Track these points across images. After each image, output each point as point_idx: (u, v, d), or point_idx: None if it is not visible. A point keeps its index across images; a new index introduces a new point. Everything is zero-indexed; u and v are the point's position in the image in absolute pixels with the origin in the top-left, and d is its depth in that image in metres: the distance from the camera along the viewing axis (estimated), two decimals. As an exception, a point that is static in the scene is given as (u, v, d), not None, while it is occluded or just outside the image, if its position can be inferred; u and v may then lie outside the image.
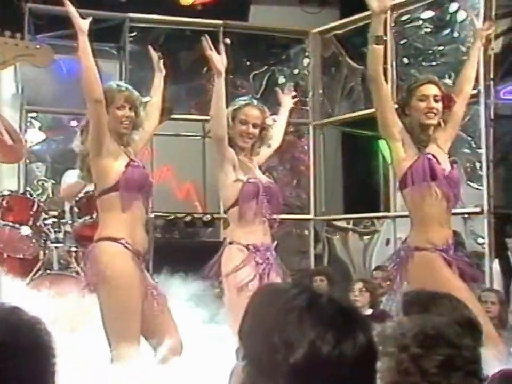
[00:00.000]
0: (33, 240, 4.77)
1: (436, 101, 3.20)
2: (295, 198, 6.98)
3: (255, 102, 3.49)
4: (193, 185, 7.08)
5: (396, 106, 3.32)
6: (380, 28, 3.12)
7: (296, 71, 7.05)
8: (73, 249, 4.80)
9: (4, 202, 4.77)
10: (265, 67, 7.01)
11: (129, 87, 3.38)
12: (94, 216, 4.67)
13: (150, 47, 3.86)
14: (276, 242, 3.40)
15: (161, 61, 3.72)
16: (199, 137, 7.05)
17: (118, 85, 3.35)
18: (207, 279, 3.46)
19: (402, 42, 6.22)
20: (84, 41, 3.25)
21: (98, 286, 3.07)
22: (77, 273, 4.56)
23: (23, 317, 1.20)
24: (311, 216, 6.82)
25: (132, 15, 6.50)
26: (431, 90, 3.21)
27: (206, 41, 3.41)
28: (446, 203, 3.19)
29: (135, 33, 6.63)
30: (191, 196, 7.13)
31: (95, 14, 6.48)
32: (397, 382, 1.43)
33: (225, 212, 3.46)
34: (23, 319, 1.20)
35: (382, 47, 3.12)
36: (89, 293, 3.16)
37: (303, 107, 6.93)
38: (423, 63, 6.08)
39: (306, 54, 6.93)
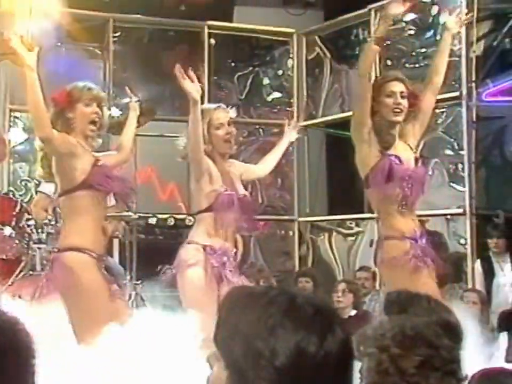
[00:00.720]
0: (16, 241, 4.73)
1: (403, 97, 3.25)
2: (279, 199, 6.99)
3: (214, 106, 3.57)
4: (177, 186, 7.06)
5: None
6: (385, 31, 3.23)
7: (280, 72, 7.07)
8: (56, 250, 4.76)
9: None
10: (250, 68, 7.01)
11: (96, 86, 3.38)
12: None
13: (127, 88, 3.81)
14: (237, 250, 3.47)
15: (136, 100, 3.72)
16: (183, 138, 7.03)
17: (86, 84, 3.32)
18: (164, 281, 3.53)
19: (385, 44, 6.25)
20: (32, 77, 3.12)
21: (64, 295, 3.12)
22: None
23: (1, 318, 1.20)
24: (295, 217, 6.83)
25: (115, 15, 6.48)
26: (398, 87, 3.26)
27: (179, 70, 3.31)
28: (407, 200, 3.27)
29: (119, 34, 6.61)
30: (174, 196, 7.11)
31: (79, 13, 6.51)
32: (376, 382, 1.44)
33: (193, 214, 3.49)
34: (2, 320, 1.19)
35: (379, 48, 3.25)
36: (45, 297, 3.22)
37: (287, 108, 6.95)
38: (406, 65, 6.12)
39: (291, 55, 6.95)
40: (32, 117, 3.20)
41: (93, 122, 3.23)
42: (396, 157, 3.25)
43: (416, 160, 3.33)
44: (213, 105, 3.56)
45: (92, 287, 3.11)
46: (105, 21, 6.53)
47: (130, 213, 5.12)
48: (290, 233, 6.91)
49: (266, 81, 7.03)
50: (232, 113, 3.49)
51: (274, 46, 7.06)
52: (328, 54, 6.82)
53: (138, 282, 5.03)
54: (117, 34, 6.59)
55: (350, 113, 6.44)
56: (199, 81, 6.74)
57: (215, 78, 6.86)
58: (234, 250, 3.41)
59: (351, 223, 6.58)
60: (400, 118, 3.26)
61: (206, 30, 6.68)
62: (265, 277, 5.57)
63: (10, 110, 6.30)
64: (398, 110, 3.23)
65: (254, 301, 1.10)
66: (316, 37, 6.88)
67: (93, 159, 3.20)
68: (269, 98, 7.06)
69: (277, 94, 7.07)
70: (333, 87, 6.78)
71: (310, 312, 1.09)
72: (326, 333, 1.08)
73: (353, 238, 6.54)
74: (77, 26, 6.59)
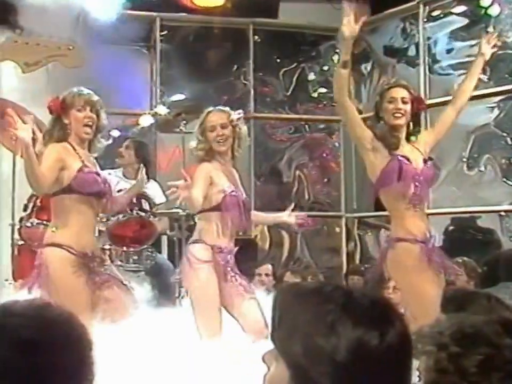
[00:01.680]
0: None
1: (404, 102, 3.38)
2: (326, 195, 6.96)
3: (213, 108, 3.66)
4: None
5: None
6: (348, 52, 3.37)
7: (326, 68, 7.02)
8: (107, 247, 4.85)
9: (38, 201, 4.83)
10: (295, 64, 6.99)
11: (90, 91, 3.47)
12: (128, 214, 4.72)
13: (142, 167, 3.99)
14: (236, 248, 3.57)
15: (144, 170, 3.85)
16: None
17: (78, 90, 3.45)
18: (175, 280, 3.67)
19: (434, 37, 6.16)
20: (30, 153, 3.20)
21: (45, 289, 3.28)
22: (112, 271, 4.60)
23: (57, 312, 1.22)
24: (342, 213, 6.78)
25: (162, 14, 6.54)
26: (400, 93, 3.40)
27: (11, 115, 3.28)
28: (416, 200, 3.37)
29: (165, 32, 6.67)
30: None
31: (126, 13, 6.60)
32: (435, 381, 1.42)
33: (198, 212, 3.58)
34: (58, 314, 1.21)
35: (348, 70, 3.35)
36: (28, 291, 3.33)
37: (334, 104, 6.90)
38: (456, 59, 6.01)
39: (336, 50, 6.90)
40: (29, 181, 3.32)
41: (87, 125, 3.39)
42: (404, 157, 3.37)
43: (425, 161, 3.44)
44: (209, 108, 3.68)
45: (66, 282, 3.26)
46: (151, 20, 6.60)
47: (178, 210, 5.17)
48: (337, 229, 6.87)
49: (311, 76, 7.00)
50: (235, 115, 3.59)
51: (319, 42, 7.03)
52: (374, 48, 6.74)
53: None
54: (163, 33, 6.65)
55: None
56: (245, 78, 6.84)
57: (260, 74, 6.87)
58: (236, 248, 3.56)
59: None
60: (401, 122, 3.37)
61: (251, 27, 6.69)
62: (312, 274, 5.55)
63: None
64: (398, 115, 3.36)
65: (310, 298, 1.10)
66: (362, 32, 6.80)
67: (80, 165, 3.37)
68: (315, 94, 7.02)
69: (322, 90, 7.03)
70: (379, 82, 6.71)
71: (368, 306, 1.09)
72: (386, 326, 1.08)
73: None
74: (124, 26, 6.69)
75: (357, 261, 6.61)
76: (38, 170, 3.20)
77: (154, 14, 6.54)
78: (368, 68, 6.84)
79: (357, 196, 6.81)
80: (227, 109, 3.64)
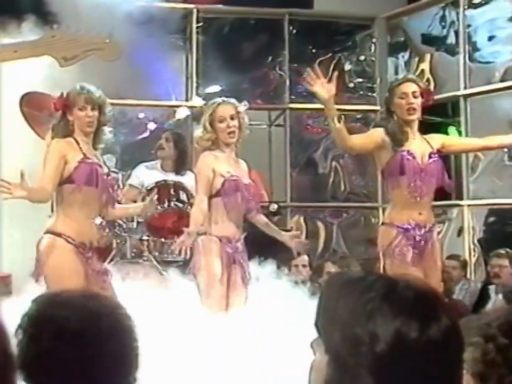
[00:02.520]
0: (107, 230, 4.88)
1: (415, 97, 3.50)
2: (362, 186, 6.91)
3: (221, 100, 3.74)
4: (260, 174, 7.09)
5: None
6: (334, 110, 3.49)
7: (362, 58, 6.96)
8: (145, 238, 4.90)
9: (78, 193, 4.89)
10: (330, 54, 6.94)
11: (91, 89, 3.56)
12: (165, 205, 4.75)
13: (154, 194, 4.07)
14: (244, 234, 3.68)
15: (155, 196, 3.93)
16: (265, 126, 7.06)
17: (81, 88, 3.55)
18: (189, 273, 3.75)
19: (474, 25, 6.05)
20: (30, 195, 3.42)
21: (42, 276, 3.39)
22: (150, 262, 4.66)
23: (103, 302, 1.23)
24: (379, 204, 6.73)
25: (198, 6, 6.55)
26: (410, 87, 3.52)
27: None
28: (416, 192, 3.51)
29: (201, 24, 6.68)
30: (257, 184, 7.15)
31: (162, 6, 6.63)
32: (482, 372, 1.40)
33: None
34: (103, 304, 1.22)
35: (342, 124, 3.46)
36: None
37: (370, 94, 6.84)
38: (497, 47, 5.89)
39: (373, 40, 6.83)
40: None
41: (88, 123, 3.50)
42: (409, 152, 3.51)
43: (430, 155, 3.54)
44: (218, 100, 3.74)
45: (61, 269, 3.34)
46: (188, 12, 6.61)
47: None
48: (374, 220, 6.81)
49: (347, 67, 6.94)
50: (242, 107, 3.66)
51: (355, 31, 6.96)
52: (412, 37, 6.65)
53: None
54: (199, 25, 6.66)
55: (435, 97, 6.31)
56: (280, 68, 6.82)
57: (295, 65, 6.83)
58: (244, 234, 3.64)
59: (437, 211, 6.42)
60: (414, 117, 3.51)
61: (287, 18, 6.66)
62: (348, 264, 5.52)
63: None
64: (411, 109, 3.48)
65: (352, 286, 1.09)
66: (399, 20, 6.73)
67: (81, 157, 3.47)
68: (351, 84, 6.97)
69: (359, 80, 6.97)
70: (416, 71, 6.62)
71: (411, 297, 1.07)
72: (429, 319, 1.05)
73: (439, 226, 6.37)
74: (160, 18, 6.72)
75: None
76: (41, 194, 3.42)
77: (191, 5, 6.55)
78: (406, 57, 6.75)
79: (394, 187, 6.74)
80: (234, 100, 3.72)
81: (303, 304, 3.87)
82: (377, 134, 3.59)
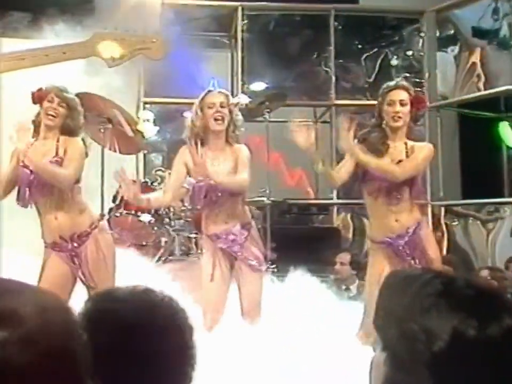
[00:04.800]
0: (155, 228, 4.93)
1: (402, 104, 3.49)
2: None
3: (213, 89, 3.72)
4: (305, 172, 7.06)
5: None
6: (315, 156, 3.55)
7: (409, 53, 6.85)
8: (193, 235, 4.92)
9: (127, 191, 4.95)
10: (376, 49, 6.86)
11: (67, 89, 3.62)
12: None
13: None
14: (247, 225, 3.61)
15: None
16: (310, 123, 7.02)
17: (58, 86, 3.62)
18: None
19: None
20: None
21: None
22: (198, 258, 4.68)
23: (158, 297, 1.23)
24: (428, 201, 6.62)
25: (243, 3, 6.55)
26: (398, 95, 3.50)
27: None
28: (386, 198, 3.48)
29: (246, 21, 6.68)
30: (303, 182, 7.12)
31: (207, 4, 6.65)
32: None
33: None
34: (163, 300, 1.23)
35: (327, 167, 3.53)
36: None
37: (418, 89, 6.73)
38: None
39: (421, 34, 6.71)
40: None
41: (48, 114, 3.53)
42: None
43: (399, 162, 3.49)
44: (210, 89, 3.72)
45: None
46: (233, 10, 6.61)
47: (263, 198, 5.18)
48: (422, 217, 6.70)
49: (394, 62, 6.84)
50: (235, 99, 3.70)
51: (402, 25, 6.86)
52: (462, 31, 6.52)
53: (273, 266, 5.09)
54: (244, 22, 6.66)
55: (485, 92, 6.17)
56: (325, 65, 6.76)
57: (341, 61, 6.77)
58: (241, 226, 3.57)
59: (490, 209, 6.28)
60: (399, 124, 3.49)
61: (333, 13, 6.60)
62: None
63: (144, 103, 6.55)
64: (396, 117, 3.48)
65: (409, 283, 1.08)
66: (448, 14, 6.60)
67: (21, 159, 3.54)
68: (398, 80, 6.86)
69: (406, 75, 6.86)
70: (467, 65, 6.48)
71: (471, 295, 1.05)
72: (489, 318, 1.02)
73: (492, 225, 6.23)
74: (205, 16, 6.74)
75: (444, 251, 6.44)
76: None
77: (236, 3, 6.55)
78: (456, 51, 6.62)
79: (444, 184, 6.62)
80: (226, 91, 3.72)
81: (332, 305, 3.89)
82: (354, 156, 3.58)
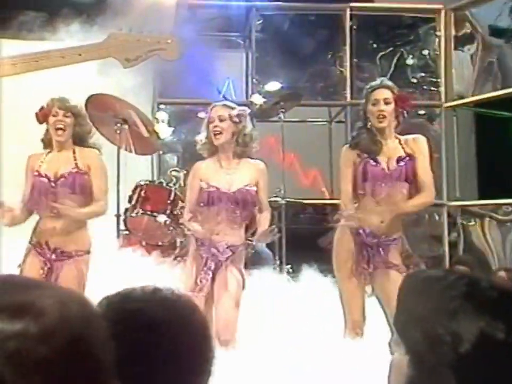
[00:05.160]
0: (170, 228, 4.93)
1: (386, 103, 3.47)
2: (426, 183, 6.75)
3: (218, 103, 3.74)
4: (320, 172, 7.03)
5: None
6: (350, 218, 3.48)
7: (425, 52, 6.80)
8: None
9: (142, 192, 4.96)
10: (392, 48, 6.82)
11: (66, 98, 3.67)
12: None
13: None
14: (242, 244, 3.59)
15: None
16: (325, 123, 6.99)
17: (56, 98, 3.67)
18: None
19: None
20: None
21: None
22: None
23: (176, 296, 1.23)
24: (444, 201, 6.58)
25: (258, 3, 6.54)
26: (382, 94, 3.48)
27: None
28: (379, 197, 3.48)
29: (260, 21, 6.67)
30: (317, 182, 7.10)
31: (221, 4, 6.65)
32: None
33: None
34: (176, 298, 1.23)
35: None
36: None
37: (434, 88, 6.69)
38: None
39: (437, 33, 6.66)
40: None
41: (57, 128, 3.59)
42: (373, 159, 3.49)
43: (398, 159, 3.48)
44: (216, 104, 3.73)
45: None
46: (247, 10, 6.61)
47: (278, 199, 5.17)
48: (437, 218, 6.66)
49: (410, 61, 6.80)
50: (235, 111, 3.60)
51: (418, 24, 6.81)
52: (479, 29, 6.46)
53: (288, 266, 5.09)
54: (258, 22, 6.65)
55: (502, 91, 6.11)
56: (340, 64, 6.74)
57: (356, 60, 6.74)
58: (225, 242, 3.54)
59: (507, 209, 6.22)
60: (384, 124, 3.48)
61: (348, 12, 6.57)
62: (414, 263, 5.40)
63: (158, 103, 6.56)
64: (381, 117, 3.46)
65: (432, 284, 1.07)
66: (465, 12, 6.54)
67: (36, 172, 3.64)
68: (413, 80, 6.83)
69: (422, 74, 6.82)
70: (483, 64, 6.43)
71: (496, 297, 1.04)
72: None
73: (509, 225, 6.18)
74: (219, 16, 6.74)
75: (460, 251, 6.39)
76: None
77: (251, 3, 6.54)
78: (472, 50, 6.57)
79: (460, 184, 6.57)
80: (232, 104, 3.70)
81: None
82: (349, 164, 3.56)
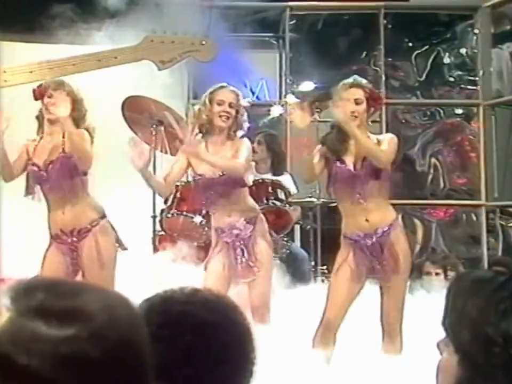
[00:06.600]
0: (206, 228, 4.94)
1: (357, 103, 3.46)
2: (464, 183, 6.67)
3: (229, 85, 3.75)
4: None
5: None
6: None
7: (463, 50, 6.71)
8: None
9: (178, 192, 4.98)
10: (427, 47, 6.74)
11: (62, 80, 3.69)
12: (264, 204, 4.75)
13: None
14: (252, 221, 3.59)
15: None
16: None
17: (55, 80, 3.70)
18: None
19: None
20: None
21: None
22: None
23: (215, 296, 1.24)
24: (482, 201, 6.47)
25: (291, 3, 6.52)
26: (353, 94, 3.48)
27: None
28: (351, 197, 3.47)
29: (294, 21, 6.65)
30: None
31: (254, 4, 6.64)
32: None
33: None
34: (216, 298, 1.23)
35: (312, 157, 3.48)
36: None
37: (471, 87, 6.59)
38: None
39: (475, 30, 6.56)
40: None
41: (48, 108, 3.60)
42: (340, 161, 3.50)
43: (365, 158, 3.46)
44: (224, 85, 3.73)
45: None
46: (281, 10, 6.59)
47: (313, 199, 5.15)
48: (475, 218, 6.56)
49: (447, 60, 6.71)
50: (244, 101, 3.69)
51: (455, 22, 6.72)
52: (518, 26, 6.36)
53: (324, 267, 5.07)
54: (292, 22, 6.63)
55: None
56: (375, 64, 6.68)
57: (390, 59, 6.68)
58: (245, 218, 3.57)
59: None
60: (355, 123, 3.44)
61: (383, 11, 6.51)
62: (452, 264, 5.33)
63: (193, 105, 6.58)
64: (352, 117, 3.45)
65: (482, 285, 1.07)
66: (504, 8, 6.43)
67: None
68: (451, 78, 6.74)
69: (459, 73, 6.73)
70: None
71: None
72: None
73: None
74: (253, 17, 6.74)
75: (499, 252, 6.29)
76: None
77: (284, 3, 6.53)
78: (511, 47, 6.45)
79: (499, 184, 6.46)
80: (237, 90, 3.73)
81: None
82: (321, 154, 3.58)
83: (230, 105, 3.61)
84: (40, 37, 5.92)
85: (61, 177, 3.60)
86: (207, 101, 3.65)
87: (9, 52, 5.39)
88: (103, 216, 3.65)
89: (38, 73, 4.18)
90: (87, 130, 3.67)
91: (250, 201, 3.68)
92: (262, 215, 3.70)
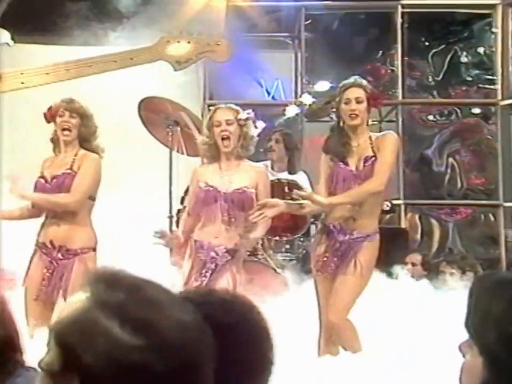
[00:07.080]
0: (221, 229, 4.94)
1: (358, 102, 3.46)
2: (481, 183, 6.62)
3: (223, 105, 3.69)
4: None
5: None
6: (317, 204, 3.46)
7: (480, 49, 6.65)
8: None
9: (193, 193, 4.98)
10: (444, 46, 6.69)
11: (73, 99, 3.70)
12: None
13: None
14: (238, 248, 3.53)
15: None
16: (375, 122, 6.91)
17: (63, 99, 3.70)
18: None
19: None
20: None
21: None
22: (265, 260, 4.67)
23: (249, 308, 1.21)
24: (500, 201, 6.42)
25: (306, 3, 6.51)
26: (354, 93, 3.49)
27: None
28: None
29: (309, 21, 6.64)
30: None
31: (270, 4, 6.63)
32: None
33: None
34: (246, 309, 1.20)
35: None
36: None
37: (489, 86, 6.53)
38: None
39: (493, 29, 6.51)
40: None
41: (63, 129, 3.64)
42: (343, 161, 3.49)
43: (366, 158, 3.46)
44: (220, 105, 3.70)
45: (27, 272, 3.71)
46: (296, 10, 6.58)
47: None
48: (492, 218, 6.51)
49: (464, 59, 6.66)
50: (243, 114, 3.58)
51: (472, 21, 6.66)
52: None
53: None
54: (307, 22, 6.62)
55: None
56: (391, 63, 6.64)
57: (407, 58, 6.65)
58: (224, 246, 3.48)
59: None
60: (357, 122, 3.47)
61: (400, 10, 6.47)
62: (470, 265, 5.28)
63: (208, 105, 6.59)
64: (353, 115, 3.46)
65: (506, 286, 1.07)
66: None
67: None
68: (469, 77, 6.68)
69: (477, 72, 6.67)
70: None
71: None
72: None
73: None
74: (268, 17, 6.73)
75: (519, 253, 6.23)
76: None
77: (299, 3, 6.51)
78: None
79: (516, 184, 6.41)
80: (236, 107, 3.66)
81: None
82: (326, 167, 3.56)
83: (228, 123, 3.53)
84: (55, 38, 5.94)
85: (57, 192, 3.63)
86: (206, 131, 3.60)
87: (25, 54, 5.42)
88: (94, 249, 3.64)
89: (55, 75, 4.20)
90: (96, 149, 3.71)
91: (240, 235, 3.53)
92: (245, 253, 3.63)
